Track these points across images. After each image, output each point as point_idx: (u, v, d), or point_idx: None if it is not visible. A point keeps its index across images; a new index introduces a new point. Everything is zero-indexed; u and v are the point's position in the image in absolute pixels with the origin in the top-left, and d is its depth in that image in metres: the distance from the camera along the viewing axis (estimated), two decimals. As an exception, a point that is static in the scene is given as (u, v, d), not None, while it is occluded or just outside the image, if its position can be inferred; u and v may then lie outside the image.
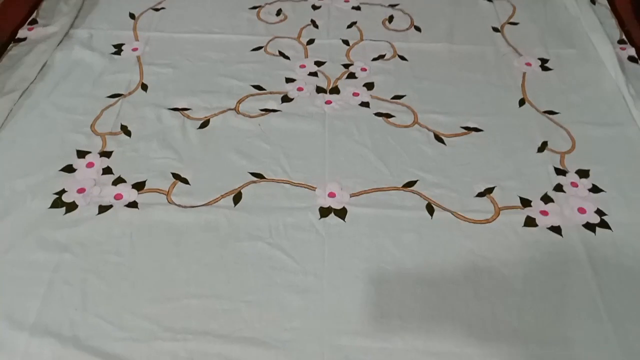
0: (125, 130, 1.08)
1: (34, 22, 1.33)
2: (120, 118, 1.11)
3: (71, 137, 1.07)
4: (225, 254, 0.89)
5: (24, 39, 1.27)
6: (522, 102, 1.19)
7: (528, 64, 1.28)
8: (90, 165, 1.02)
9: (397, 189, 1.00)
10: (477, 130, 1.12)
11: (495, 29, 1.38)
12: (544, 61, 1.29)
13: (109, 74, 1.21)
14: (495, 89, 1.21)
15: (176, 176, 1.00)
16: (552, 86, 1.23)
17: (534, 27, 1.39)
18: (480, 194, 1.00)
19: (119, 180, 0.99)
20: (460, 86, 1.22)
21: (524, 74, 1.26)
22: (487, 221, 0.96)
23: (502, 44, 1.33)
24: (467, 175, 1.03)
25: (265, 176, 1.01)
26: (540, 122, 1.14)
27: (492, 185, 1.01)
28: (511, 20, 1.41)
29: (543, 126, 1.13)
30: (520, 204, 0.98)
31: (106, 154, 1.04)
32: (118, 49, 1.28)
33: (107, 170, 1.01)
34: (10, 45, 1.26)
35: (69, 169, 1.01)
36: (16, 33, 1.29)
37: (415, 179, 1.02)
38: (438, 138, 1.10)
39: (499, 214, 0.97)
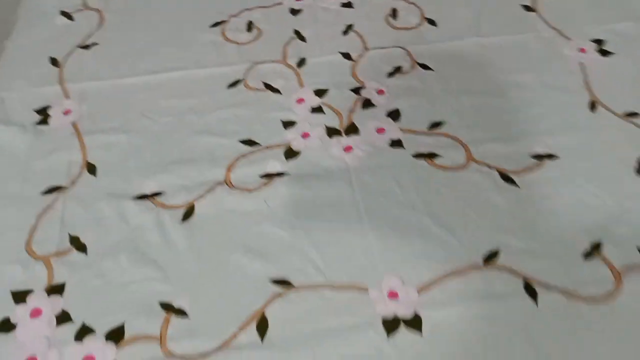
0: (78, 245, 0.76)
1: None
2: (65, 225, 0.78)
3: (1, 270, 0.74)
4: None
5: None
6: (592, 106, 0.91)
7: (582, 50, 1.00)
8: (36, 313, 0.69)
9: (478, 267, 0.72)
10: (550, 156, 0.84)
11: (528, 8, 1.09)
12: (599, 43, 1.01)
13: (38, 158, 0.86)
14: (553, 93, 0.93)
15: (167, 307, 0.69)
16: (622, 75, 0.96)
17: (576, -5, 1.11)
18: (587, 254, 0.73)
19: (84, 332, 0.67)
20: (508, 95, 0.93)
21: (581, 64, 0.98)
22: (610, 299, 0.69)
23: (543, 27, 1.05)
24: (561, 228, 0.76)
25: (294, 283, 0.72)
26: (626, 131, 0.88)
27: (597, 239, 0.74)
28: (545, -8, 1.12)
29: (630, 135, 0.87)
30: (644, 259, 0.73)
31: (57, 290, 0.71)
32: (43, 115, 0.93)
33: (63, 318, 0.69)
34: None
35: (7, 326, 0.68)
36: None
37: (495, 248, 0.74)
38: (506, 177, 0.82)
39: (620, 281, 0.71)
